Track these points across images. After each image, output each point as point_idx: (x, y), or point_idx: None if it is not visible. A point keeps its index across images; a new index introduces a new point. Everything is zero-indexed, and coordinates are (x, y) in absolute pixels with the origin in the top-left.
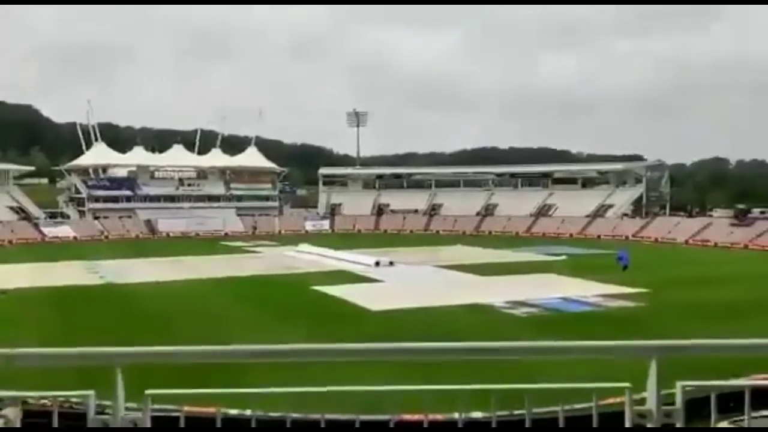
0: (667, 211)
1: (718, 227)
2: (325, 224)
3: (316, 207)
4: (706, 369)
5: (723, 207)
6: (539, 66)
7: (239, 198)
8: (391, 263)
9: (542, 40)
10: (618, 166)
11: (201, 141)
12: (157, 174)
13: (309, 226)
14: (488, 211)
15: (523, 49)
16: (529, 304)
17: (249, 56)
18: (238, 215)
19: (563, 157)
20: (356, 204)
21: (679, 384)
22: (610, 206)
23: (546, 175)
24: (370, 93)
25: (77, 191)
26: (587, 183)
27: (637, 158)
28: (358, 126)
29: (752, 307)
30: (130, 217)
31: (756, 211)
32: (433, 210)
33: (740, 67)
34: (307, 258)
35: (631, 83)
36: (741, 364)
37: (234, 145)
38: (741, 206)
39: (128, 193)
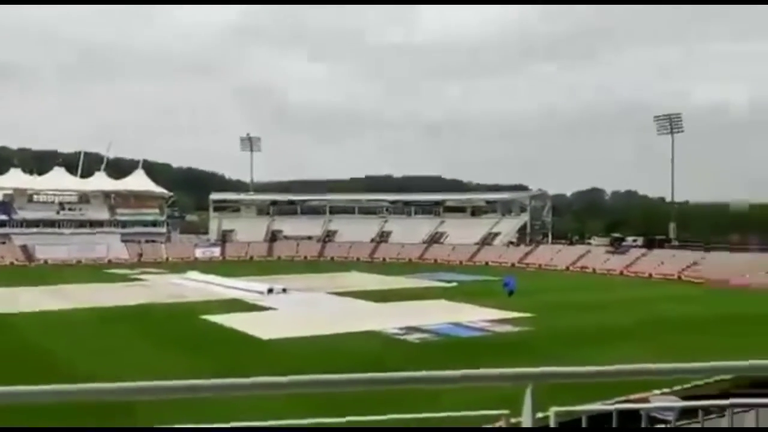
0: (549, 239)
1: (596, 255)
2: (216, 251)
3: (206, 233)
4: (582, 391)
5: (600, 235)
6: (427, 96)
7: (124, 224)
8: (284, 290)
9: (430, 71)
10: (504, 195)
11: (84, 163)
12: (35, 198)
13: (199, 253)
14: (382, 238)
15: (412, 78)
16: (422, 329)
17: (137, 76)
18: (123, 241)
19: (455, 185)
20: (249, 230)
21: (552, 409)
22: (497, 234)
23: (438, 203)
24: (264, 118)
25: None
26: (476, 211)
27: (522, 188)
28: (251, 151)
29: (624, 332)
30: (4, 242)
31: (629, 239)
32: (328, 236)
33: (613, 104)
34: (196, 286)
35: (516, 115)
36: (614, 386)
37: (120, 168)
38: (616, 235)
39: (3, 217)
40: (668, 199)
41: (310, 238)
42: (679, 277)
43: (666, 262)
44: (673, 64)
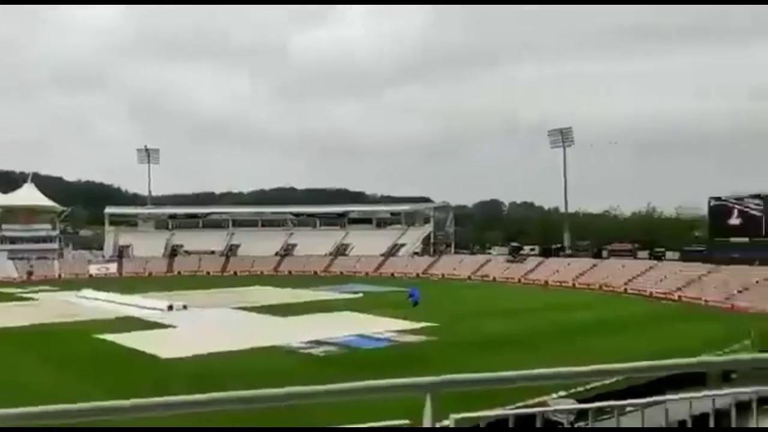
0: (452, 249)
1: (496, 264)
2: (113, 267)
3: (101, 249)
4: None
5: (500, 245)
6: (329, 111)
7: (12, 240)
8: (185, 307)
9: (330, 87)
10: (408, 207)
11: None
12: None
13: (94, 269)
14: (287, 251)
15: (313, 93)
16: (327, 342)
17: (26, 87)
18: (11, 259)
19: (359, 198)
20: (147, 245)
21: (451, 416)
22: (403, 245)
23: (342, 215)
24: (161, 130)
25: None
26: (381, 223)
27: (426, 200)
28: (149, 163)
29: (521, 338)
30: None
31: (527, 249)
32: (231, 251)
33: (509, 119)
34: (91, 304)
35: (418, 130)
36: (517, 392)
37: (9, 181)
38: (514, 244)
39: None
40: (562, 209)
41: (212, 252)
42: (574, 285)
43: (561, 270)
44: (566, 80)
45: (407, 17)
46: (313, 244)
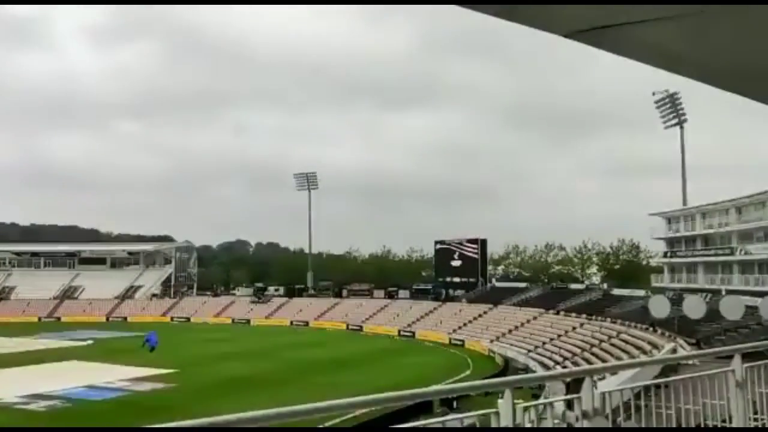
0: (195, 290)
1: (241, 305)
2: None
3: None
4: None
5: (245, 286)
6: (54, 141)
7: None
8: None
9: (49, 116)
10: (148, 246)
11: None
12: None
13: None
14: (2, 294)
15: (32, 122)
16: (50, 396)
17: None
18: None
19: (92, 236)
20: None
21: None
22: (140, 287)
23: (72, 254)
24: None
25: None
26: (116, 263)
27: (167, 239)
28: None
29: (262, 379)
30: None
31: (272, 289)
32: None
33: (248, 161)
34: None
35: (154, 166)
36: None
37: None
38: (259, 285)
39: None
40: (307, 250)
41: None
42: (313, 324)
43: (304, 309)
44: (303, 127)
45: (135, 52)
46: (37, 287)
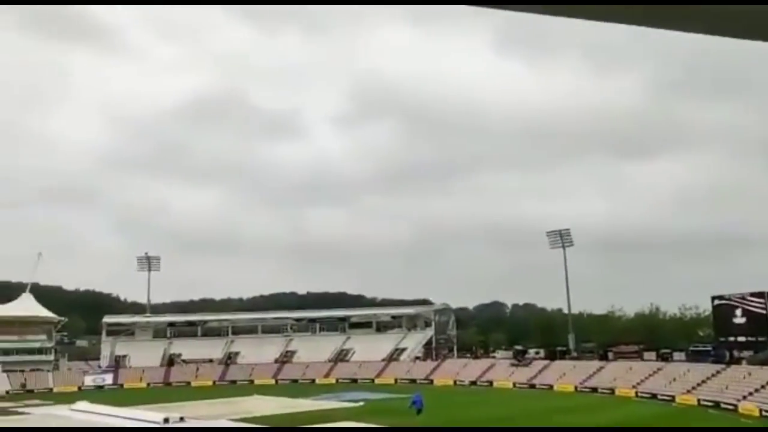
0: (455, 352)
1: (501, 368)
2: (108, 378)
3: (98, 359)
4: None
5: (503, 348)
6: (313, 217)
7: (6, 351)
8: (182, 419)
9: (307, 196)
10: (409, 310)
11: None
12: None
13: (89, 380)
14: (286, 357)
15: (294, 201)
16: None
17: (16, 197)
18: (5, 371)
19: (359, 301)
20: (144, 355)
21: None
22: (404, 349)
23: (343, 319)
24: (154, 240)
25: None
26: (381, 327)
27: (426, 302)
28: (149, 270)
29: None
30: None
31: (532, 352)
32: (229, 359)
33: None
34: (84, 418)
35: (402, 234)
36: None
37: (5, 292)
38: (518, 347)
39: None
40: (565, 310)
41: (210, 360)
42: (579, 388)
43: (567, 373)
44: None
45: (377, 132)
46: (314, 350)
